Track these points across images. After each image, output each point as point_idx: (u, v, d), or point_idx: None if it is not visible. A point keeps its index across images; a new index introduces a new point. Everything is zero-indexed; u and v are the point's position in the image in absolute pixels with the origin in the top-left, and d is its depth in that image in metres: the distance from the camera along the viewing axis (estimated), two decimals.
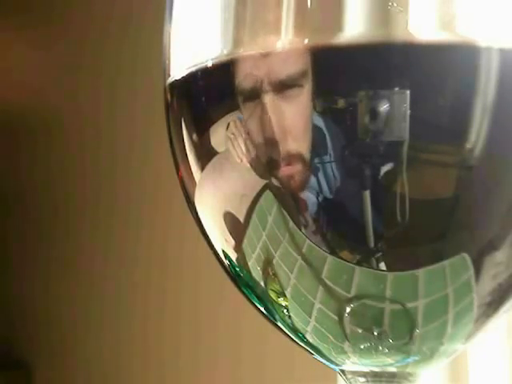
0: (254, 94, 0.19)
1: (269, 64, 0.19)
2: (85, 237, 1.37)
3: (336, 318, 0.19)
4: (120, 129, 1.29)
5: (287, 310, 0.20)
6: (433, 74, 0.18)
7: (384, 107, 0.17)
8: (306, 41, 0.18)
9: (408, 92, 0.17)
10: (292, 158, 0.19)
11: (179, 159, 0.22)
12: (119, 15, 1.28)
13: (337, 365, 0.21)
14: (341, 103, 0.18)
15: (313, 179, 0.19)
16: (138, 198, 1.25)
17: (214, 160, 0.20)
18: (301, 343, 0.22)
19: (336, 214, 0.19)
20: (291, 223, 0.19)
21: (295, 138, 0.19)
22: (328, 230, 0.19)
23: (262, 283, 0.21)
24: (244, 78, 0.19)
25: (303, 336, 0.21)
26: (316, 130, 0.18)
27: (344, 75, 0.18)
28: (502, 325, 0.72)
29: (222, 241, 0.21)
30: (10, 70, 1.60)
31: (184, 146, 0.21)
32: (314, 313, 0.20)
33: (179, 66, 0.22)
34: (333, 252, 0.19)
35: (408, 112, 0.17)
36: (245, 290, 0.22)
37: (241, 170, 0.20)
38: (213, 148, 0.20)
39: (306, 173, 0.19)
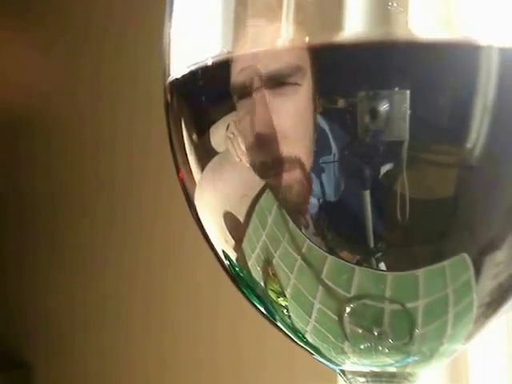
0: (254, 93, 0.19)
1: (269, 63, 0.19)
2: (84, 236, 1.37)
3: (336, 318, 0.19)
4: (120, 128, 1.29)
5: (287, 310, 0.20)
6: (433, 73, 0.18)
7: (384, 107, 0.17)
8: (307, 39, 0.18)
9: (408, 91, 0.17)
10: (292, 157, 0.19)
11: (179, 159, 0.22)
12: (119, 14, 1.28)
13: (337, 365, 0.21)
14: (341, 103, 0.18)
15: (312, 179, 0.18)
16: (138, 198, 1.25)
17: (214, 160, 0.20)
18: (301, 343, 0.22)
19: (336, 214, 0.19)
20: (291, 223, 0.19)
21: (295, 138, 0.19)
22: (328, 229, 0.19)
23: (262, 283, 0.20)
24: (244, 77, 0.19)
25: (303, 336, 0.21)
26: (316, 129, 0.18)
27: (344, 74, 0.18)
28: (502, 325, 0.72)
29: (222, 241, 0.21)
30: (9, 70, 1.60)
31: (184, 146, 0.21)
32: (314, 313, 0.20)
33: (179, 66, 0.22)
34: (333, 252, 0.19)
35: (408, 112, 0.17)
36: (245, 290, 0.22)
37: (241, 170, 0.20)
38: (213, 148, 0.20)
39: (306, 173, 0.19)
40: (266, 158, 0.19)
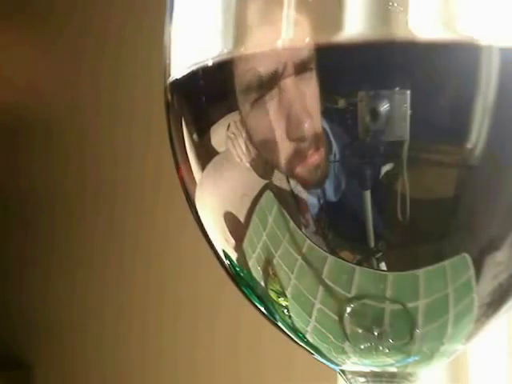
0: (255, 93, 0.19)
1: (269, 63, 0.19)
2: (84, 237, 1.37)
3: (336, 318, 0.19)
4: (120, 128, 1.29)
5: (287, 310, 0.20)
6: (433, 73, 0.18)
7: (384, 107, 0.17)
8: (307, 39, 0.18)
9: (408, 91, 0.17)
10: (292, 157, 0.19)
11: (180, 159, 0.22)
12: (119, 15, 1.28)
13: (337, 365, 0.21)
14: (341, 103, 0.18)
15: (313, 179, 0.19)
16: (138, 198, 1.25)
17: (215, 160, 0.20)
18: (301, 343, 0.22)
19: (336, 214, 0.19)
20: (291, 223, 0.19)
21: (296, 138, 0.19)
22: (328, 229, 0.19)
23: (263, 283, 0.20)
24: (244, 77, 0.19)
25: (303, 336, 0.21)
26: (316, 130, 0.18)
27: (344, 75, 0.18)
28: (502, 325, 0.72)
29: (223, 240, 0.21)
30: (9, 71, 1.60)
31: (184, 146, 0.21)
32: (315, 313, 0.20)
33: (180, 66, 0.22)
34: (333, 252, 0.19)
35: (408, 112, 0.17)
36: (245, 290, 0.22)
37: (241, 169, 0.20)
38: (213, 148, 0.20)
39: (306, 172, 0.19)
40: (267, 158, 0.19)
